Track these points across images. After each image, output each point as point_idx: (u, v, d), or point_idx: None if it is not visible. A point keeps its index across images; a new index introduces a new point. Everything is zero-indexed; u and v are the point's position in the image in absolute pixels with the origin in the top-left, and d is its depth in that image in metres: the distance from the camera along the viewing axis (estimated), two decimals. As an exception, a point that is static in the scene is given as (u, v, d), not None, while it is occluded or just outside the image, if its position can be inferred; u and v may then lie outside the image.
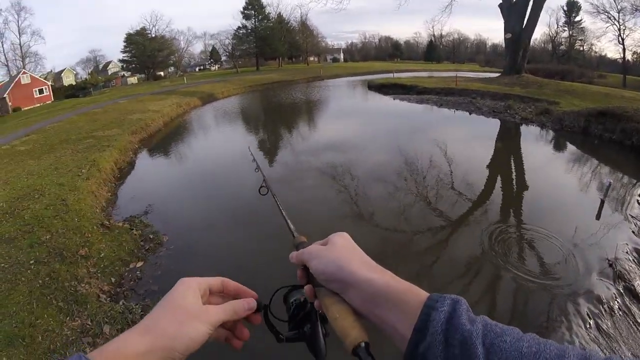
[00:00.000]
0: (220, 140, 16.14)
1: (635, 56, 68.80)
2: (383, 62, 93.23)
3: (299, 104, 27.04)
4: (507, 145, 14.36)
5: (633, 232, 6.75)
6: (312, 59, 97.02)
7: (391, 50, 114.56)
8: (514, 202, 8.64)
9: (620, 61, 66.48)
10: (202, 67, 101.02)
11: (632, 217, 7.41)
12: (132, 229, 7.07)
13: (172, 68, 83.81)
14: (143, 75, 77.24)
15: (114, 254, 6.13)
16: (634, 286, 5.24)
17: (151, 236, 6.73)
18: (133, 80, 74.55)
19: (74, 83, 64.93)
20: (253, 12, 71.32)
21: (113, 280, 5.54)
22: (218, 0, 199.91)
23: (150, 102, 25.50)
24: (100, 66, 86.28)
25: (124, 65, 77.26)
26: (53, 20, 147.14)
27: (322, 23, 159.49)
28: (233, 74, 61.02)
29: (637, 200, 8.25)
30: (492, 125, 17.01)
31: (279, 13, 79.79)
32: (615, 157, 12.24)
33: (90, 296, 4.96)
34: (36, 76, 51.21)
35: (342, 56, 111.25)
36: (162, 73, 79.60)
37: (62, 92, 54.01)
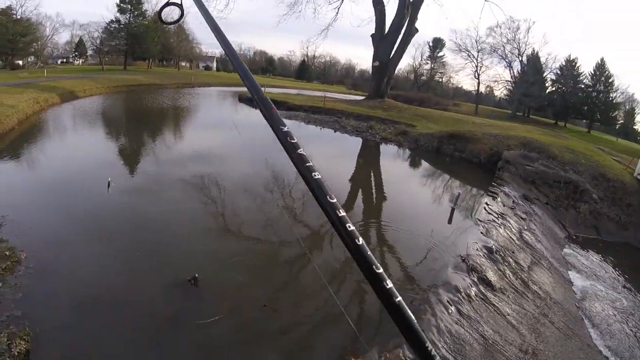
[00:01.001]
0: (79, 145, 14.09)
1: (488, 89, 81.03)
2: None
3: (166, 110, 25.36)
4: (368, 161, 15.13)
5: (481, 232, 7.35)
6: (183, 64, 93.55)
7: (265, 65, 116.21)
8: (373, 212, 8.90)
9: (474, 92, 77.84)
10: (65, 60, 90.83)
11: (480, 220, 8.09)
12: (-17, 245, 5.50)
13: (33, 57, 73.91)
14: (0, 62, 66.85)
15: (-39, 276, 4.65)
16: (486, 276, 5.73)
17: (7, 253, 5.31)
18: None
19: None
20: (129, 6, 66.06)
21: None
22: None
23: (5, 94, 21.59)
24: (-51, 43, 72.77)
25: None
26: None
27: (199, 29, 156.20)
28: (98, 71, 55.39)
29: (484, 208, 8.98)
30: (355, 143, 17.74)
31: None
32: (465, 173, 13.57)
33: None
34: None
35: (215, 65, 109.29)
36: (20, 62, 69.70)
37: None
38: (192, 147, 14.26)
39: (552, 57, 72.09)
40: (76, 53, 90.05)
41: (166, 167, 10.87)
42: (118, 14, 66.68)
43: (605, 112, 67.45)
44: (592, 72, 68.93)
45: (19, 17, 65.31)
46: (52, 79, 34.96)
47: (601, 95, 67.63)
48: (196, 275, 4.78)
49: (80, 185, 8.78)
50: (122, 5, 66.08)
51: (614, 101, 68.71)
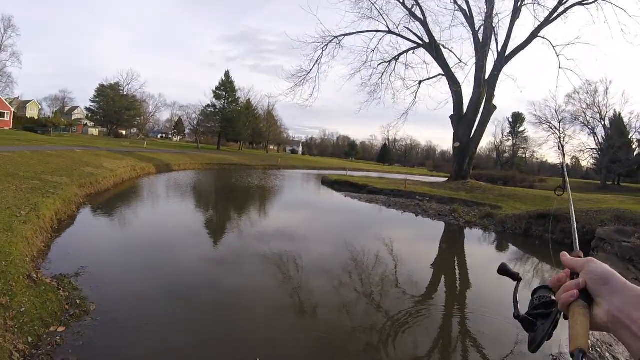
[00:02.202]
0: (167, 212, 15.52)
1: (573, 160, 76.73)
2: (339, 159, 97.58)
3: (253, 189, 27.17)
4: (451, 246, 14.87)
5: None
6: (272, 147, 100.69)
7: (347, 149, 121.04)
8: (457, 299, 8.62)
9: (560, 166, 73.24)
10: (164, 135, 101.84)
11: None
12: (60, 289, 6.30)
13: (135, 129, 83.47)
14: (105, 129, 76.37)
15: (35, 311, 5.40)
16: None
17: (78, 301, 6.02)
18: (94, 131, 74.05)
19: (36, 117, 63.90)
20: (224, 93, 74.32)
21: (30, 339, 4.84)
22: (195, 74, 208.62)
23: (106, 158, 24.68)
24: (67, 108, 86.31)
25: (89, 115, 77.31)
26: (36, 48, 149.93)
27: (287, 115, 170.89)
28: (193, 148, 61.74)
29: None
30: (438, 228, 17.61)
31: (249, 99, 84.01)
32: (556, 256, 12.63)
33: (3, 352, 4.26)
34: (3, 99, 49.59)
35: (300, 149, 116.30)
36: (124, 132, 79.08)
37: (22, 123, 52.42)
38: (274, 225, 15.01)
39: (635, 116, 66.49)
40: (175, 130, 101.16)
41: (248, 242, 11.53)
42: (214, 100, 74.95)
43: None
44: (686, 126, 62.50)
45: (125, 92, 75.15)
46: (150, 151, 39.01)
47: (696, 147, 60.71)
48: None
49: (162, 252, 9.53)
50: (218, 92, 74.00)
51: None
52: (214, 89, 74.32)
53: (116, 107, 72.75)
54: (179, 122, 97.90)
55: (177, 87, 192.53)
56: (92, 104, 74.66)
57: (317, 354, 5.63)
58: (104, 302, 6.13)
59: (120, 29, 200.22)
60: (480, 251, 13.91)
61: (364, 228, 16.23)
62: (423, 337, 6.34)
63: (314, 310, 7.09)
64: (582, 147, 72.92)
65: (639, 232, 13.30)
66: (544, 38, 30.85)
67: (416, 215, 19.96)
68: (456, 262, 12.42)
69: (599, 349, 6.24)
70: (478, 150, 37.77)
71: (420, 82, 34.73)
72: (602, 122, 68.64)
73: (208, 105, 74.89)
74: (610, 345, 6.57)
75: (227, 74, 74.64)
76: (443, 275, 10.52)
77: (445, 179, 34.49)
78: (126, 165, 24.74)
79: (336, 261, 10.41)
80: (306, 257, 10.40)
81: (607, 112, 68.29)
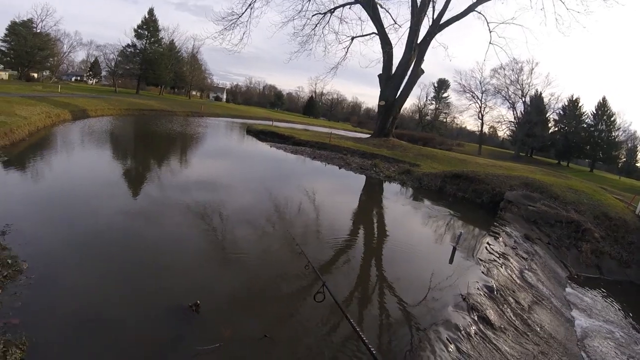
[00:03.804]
0: (86, 163, 14.41)
1: (491, 129, 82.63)
2: (264, 109, 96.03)
3: (174, 137, 25.94)
4: (371, 199, 15.44)
5: (482, 272, 7.50)
6: (194, 93, 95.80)
7: (274, 99, 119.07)
8: (375, 250, 9.02)
9: (478, 133, 79.32)
10: (79, 78, 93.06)
11: (481, 260, 8.27)
12: (-11, 250, 5.74)
13: (48, 72, 75.55)
14: (16, 72, 68.27)
15: (-36, 277, 4.88)
16: (486, 315, 5.85)
17: (9, 261, 5.52)
18: (4, 75, 65.51)
19: None
20: (147, 32, 68.08)
21: (-35, 305, 4.37)
22: (116, 10, 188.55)
23: (18, 105, 22.17)
24: (-28, 49, 74.89)
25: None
26: None
27: (212, 59, 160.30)
28: (111, 93, 56.84)
29: (486, 247, 9.16)
30: (359, 181, 18.12)
31: (172, 40, 77.42)
32: (467, 213, 13.67)
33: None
34: None
35: (225, 96, 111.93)
36: (35, 75, 71.31)
37: None
38: (196, 174, 14.56)
39: (555, 98, 73.59)
40: (90, 72, 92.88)
41: (170, 192, 11.14)
42: (135, 39, 68.86)
43: (608, 151, 68.03)
44: (594, 112, 69.90)
45: (38, 30, 67.60)
46: (65, 96, 35.86)
47: (603, 134, 68.33)
48: (198, 302, 4.91)
49: (84, 202, 9.03)
50: (139, 31, 68.43)
51: (616, 139, 69.29)
52: (136, 27, 67.89)
53: (28, 47, 64.65)
54: (95, 63, 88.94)
55: (95, 24, 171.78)
56: (2, 44, 65.60)
57: (242, 299, 5.61)
58: (35, 259, 5.75)
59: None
60: (398, 205, 14.52)
61: (288, 178, 16.22)
62: (342, 284, 6.54)
63: (238, 259, 7.04)
64: (501, 118, 78.75)
65: (544, 199, 14.61)
66: (479, 13, 31.91)
67: (339, 168, 20.35)
68: (374, 214, 12.90)
69: (502, 293, 6.86)
70: (402, 111, 38.92)
71: (353, 38, 34.56)
72: (523, 99, 74.21)
73: (128, 45, 68.47)
74: (514, 291, 7.26)
75: (150, 12, 68.42)
76: (362, 227, 10.84)
77: (368, 136, 35.25)
78: (40, 112, 22.56)
79: (260, 210, 10.35)
80: (230, 207, 10.21)
81: (528, 91, 73.82)
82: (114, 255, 6.40)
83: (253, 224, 9.05)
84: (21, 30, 64.15)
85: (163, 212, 9.08)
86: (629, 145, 72.19)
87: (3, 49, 64.94)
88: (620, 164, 70.87)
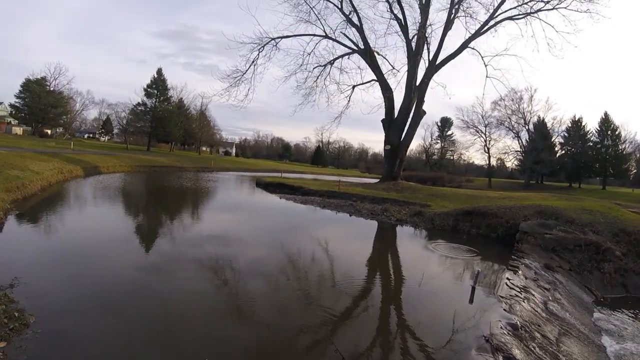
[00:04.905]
0: (97, 219, 14.55)
1: (499, 161, 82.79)
2: (273, 161, 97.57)
3: (185, 192, 26.25)
4: (384, 244, 15.37)
5: (504, 309, 7.30)
6: (204, 148, 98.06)
7: (281, 151, 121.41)
8: (392, 295, 8.87)
9: (486, 166, 79.40)
10: (91, 135, 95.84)
11: (502, 297, 8.06)
12: (-5, 303, 5.75)
13: (61, 128, 77.56)
14: (30, 128, 70.20)
15: (-28, 327, 4.89)
16: (512, 354, 5.60)
17: (16, 314, 5.53)
18: (18, 130, 67.93)
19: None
20: (156, 91, 70.97)
21: (-32, 358, 4.37)
22: (126, 70, 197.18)
23: (32, 160, 22.88)
24: (-12, 104, 77.67)
25: (13, 112, 69.96)
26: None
27: (220, 116, 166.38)
28: (122, 149, 58.56)
29: (506, 283, 8.94)
30: (371, 226, 18.07)
31: (181, 98, 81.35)
32: (483, 249, 13.42)
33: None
34: None
35: (234, 150, 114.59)
36: (49, 131, 73.25)
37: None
38: (208, 229, 14.63)
39: (558, 121, 74.03)
40: (103, 130, 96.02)
41: (182, 247, 11.15)
42: (145, 98, 71.56)
43: (617, 165, 67.47)
44: (598, 128, 69.81)
45: (52, 88, 69.99)
46: (77, 152, 36.85)
47: (610, 149, 67.90)
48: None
49: (94, 257, 9.08)
50: (149, 89, 71.17)
51: (624, 152, 68.72)
52: (145, 86, 71.09)
53: (41, 105, 67.38)
54: (107, 121, 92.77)
55: (106, 84, 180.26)
56: (17, 100, 68.41)
57: (260, 354, 5.49)
58: (42, 313, 5.79)
59: (48, 20, 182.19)
60: (412, 247, 14.48)
61: (299, 229, 16.22)
62: (363, 331, 6.40)
63: (253, 312, 6.92)
64: (507, 149, 79.19)
65: (559, 224, 14.37)
66: (473, 49, 32.89)
67: (350, 215, 20.31)
68: (389, 258, 12.83)
69: (527, 329, 6.62)
70: (408, 153, 39.38)
71: (354, 87, 35.66)
72: (527, 127, 74.88)
73: (138, 104, 71.47)
74: (539, 325, 7.01)
75: (159, 72, 71.87)
76: (378, 272, 10.73)
77: (377, 180, 35.45)
78: (53, 168, 23.30)
79: (273, 263, 10.28)
80: (243, 260, 10.17)
81: (531, 118, 74.76)
82: (124, 311, 6.36)
83: (266, 276, 8.97)
84: (35, 88, 67.15)
85: (174, 267, 9.06)
86: (637, 155, 71.53)
87: (18, 105, 67.69)
88: (631, 176, 69.96)
